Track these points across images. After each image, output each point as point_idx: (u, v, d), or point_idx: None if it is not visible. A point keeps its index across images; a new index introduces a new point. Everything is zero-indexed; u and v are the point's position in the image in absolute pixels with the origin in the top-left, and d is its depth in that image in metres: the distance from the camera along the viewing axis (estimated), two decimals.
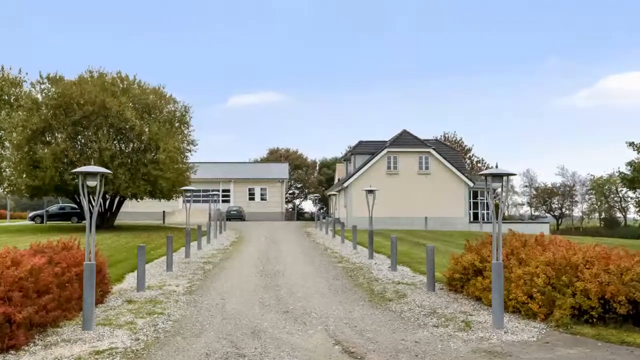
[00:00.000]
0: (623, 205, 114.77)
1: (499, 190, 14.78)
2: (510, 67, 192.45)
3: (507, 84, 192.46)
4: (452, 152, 78.12)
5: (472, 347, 12.52)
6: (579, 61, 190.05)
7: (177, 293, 19.02)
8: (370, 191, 31.46)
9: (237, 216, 78.20)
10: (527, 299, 14.81)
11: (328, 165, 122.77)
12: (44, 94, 50.34)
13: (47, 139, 49.52)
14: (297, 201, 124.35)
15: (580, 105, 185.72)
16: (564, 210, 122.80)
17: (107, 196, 51.16)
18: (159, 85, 54.17)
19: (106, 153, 46.75)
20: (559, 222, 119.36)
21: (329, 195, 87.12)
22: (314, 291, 19.57)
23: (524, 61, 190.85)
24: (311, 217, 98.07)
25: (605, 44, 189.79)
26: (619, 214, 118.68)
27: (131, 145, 51.11)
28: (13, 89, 62.72)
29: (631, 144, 51.42)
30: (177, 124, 54.60)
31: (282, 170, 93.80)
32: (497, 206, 34.04)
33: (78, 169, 14.17)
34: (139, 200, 54.06)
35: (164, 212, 72.21)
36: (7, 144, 54.36)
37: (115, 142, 49.72)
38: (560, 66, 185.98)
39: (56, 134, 49.56)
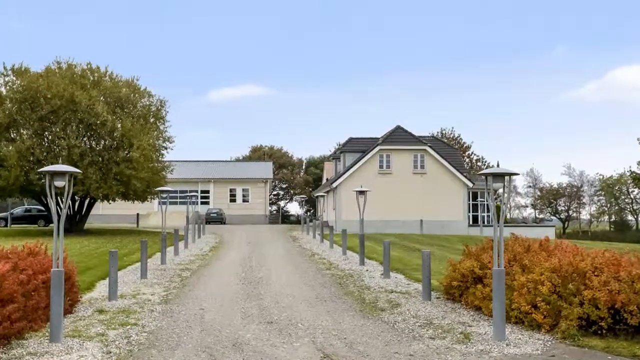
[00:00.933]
0: (635, 207, 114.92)
1: (501, 191, 14.76)
2: (514, 57, 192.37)
3: (510, 76, 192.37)
4: (450, 149, 78.23)
5: None
6: (588, 51, 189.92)
7: (152, 302, 18.94)
8: (361, 192, 31.43)
9: (217, 219, 78.04)
10: (530, 308, 14.79)
11: (315, 164, 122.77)
12: (7, 87, 49.99)
13: (12, 136, 49.25)
14: (282, 203, 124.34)
15: (589, 99, 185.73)
16: (570, 212, 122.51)
17: (76, 197, 50.92)
18: (132, 78, 54.01)
19: (75, 151, 46.54)
20: (566, 225, 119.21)
21: (317, 197, 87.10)
22: (301, 300, 19.53)
23: (529, 51, 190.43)
24: (297, 220, 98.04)
25: (615, 33, 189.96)
26: (630, 217, 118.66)
27: (102, 143, 50.90)
28: None
29: None
30: (152, 120, 54.42)
31: (265, 169, 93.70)
32: (498, 208, 34.02)
33: (45, 168, 14.05)
34: (110, 202, 53.84)
35: (137, 214, 72.06)
36: None
37: (85, 139, 49.57)
38: (568, 56, 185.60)
39: (21, 130, 49.35)
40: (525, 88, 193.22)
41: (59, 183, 13.94)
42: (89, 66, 52.60)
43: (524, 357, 12.67)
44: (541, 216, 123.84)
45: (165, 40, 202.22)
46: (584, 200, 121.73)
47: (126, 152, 49.58)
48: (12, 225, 65.52)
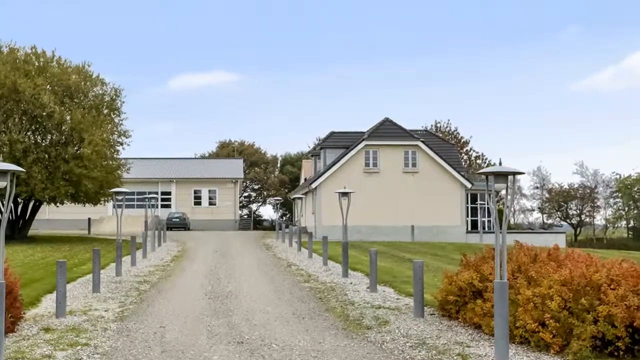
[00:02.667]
0: None
1: (503, 192, 14.78)
2: (518, 40, 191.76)
3: (513, 61, 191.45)
4: (446, 145, 78.19)
5: None
6: (603, 32, 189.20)
7: (106, 319, 18.82)
8: (345, 194, 31.39)
9: (179, 225, 77.91)
10: (537, 326, 14.78)
11: (292, 162, 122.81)
12: None
13: None
14: (254, 206, 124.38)
15: (604, 87, 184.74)
16: (583, 217, 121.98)
17: (19, 200, 50.68)
18: (83, 63, 53.77)
19: (18, 147, 46.30)
20: (577, 232, 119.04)
21: (294, 199, 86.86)
22: (275, 317, 19.46)
23: (536, 32, 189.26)
24: (271, 226, 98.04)
25: (633, 11, 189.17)
26: None
27: (49, 137, 50.71)
28: None
29: None
30: (105, 111, 54.25)
31: (235, 168, 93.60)
32: (500, 212, 34.16)
33: None
34: (58, 205, 53.67)
35: (89, 219, 71.76)
36: None
37: (29, 133, 49.37)
38: (580, 38, 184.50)
39: None
40: (531, 75, 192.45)
41: None
42: (33, 50, 52.33)
43: None
44: (550, 221, 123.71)
45: (119, 19, 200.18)
46: (598, 203, 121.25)
47: (76, 148, 49.38)
48: None
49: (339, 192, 32.17)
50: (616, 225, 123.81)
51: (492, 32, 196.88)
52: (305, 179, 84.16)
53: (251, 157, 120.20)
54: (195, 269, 32.96)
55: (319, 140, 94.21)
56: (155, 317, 19.45)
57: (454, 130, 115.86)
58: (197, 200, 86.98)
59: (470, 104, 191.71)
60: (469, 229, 65.92)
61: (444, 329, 17.49)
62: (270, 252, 44.34)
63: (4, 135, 47.01)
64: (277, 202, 72.32)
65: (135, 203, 74.44)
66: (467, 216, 66.14)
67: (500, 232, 14.05)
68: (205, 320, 18.90)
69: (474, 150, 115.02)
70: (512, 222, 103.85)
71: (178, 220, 78.70)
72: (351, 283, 27.11)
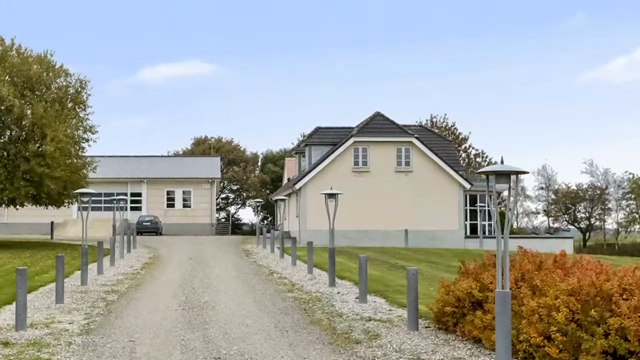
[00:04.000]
0: None
1: (505, 193, 14.79)
2: (521, 27, 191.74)
3: (516, 50, 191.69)
4: (443, 142, 78.14)
5: None
6: (614, 19, 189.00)
7: (71, 333, 18.75)
8: (332, 195, 31.36)
9: (151, 229, 77.74)
10: (543, 340, 14.79)
11: (274, 161, 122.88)
12: None
13: None
14: (232, 209, 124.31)
15: (615, 79, 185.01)
16: (592, 220, 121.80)
17: None
18: (45, 52, 53.61)
19: None
20: (587, 236, 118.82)
21: (276, 201, 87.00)
22: (256, 330, 19.43)
23: (541, 20, 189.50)
24: (251, 230, 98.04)
25: None
26: None
27: (8, 133, 50.57)
28: None
29: None
30: (70, 105, 54.10)
31: (212, 166, 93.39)
32: (502, 215, 34.15)
33: None
34: (18, 207, 53.51)
35: (52, 223, 71.55)
36: None
37: None
38: (589, 26, 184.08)
39: None
40: (535, 66, 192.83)
41: None
42: None
43: None
44: (556, 225, 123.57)
45: (83, 3, 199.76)
46: (609, 206, 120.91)
47: (38, 145, 49.26)
48: None
49: (325, 194, 32.15)
50: (629, 230, 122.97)
51: (492, 19, 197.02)
52: (289, 179, 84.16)
53: (229, 155, 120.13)
54: (168, 278, 32.92)
55: (304, 136, 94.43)
56: (124, 330, 19.39)
57: (452, 126, 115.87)
58: (170, 202, 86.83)
59: (469, 97, 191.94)
60: (468, 233, 65.95)
61: (440, 343, 17.48)
62: (251, 258, 44.32)
63: None
64: (258, 204, 72.05)
65: (103, 205, 74.44)
66: (466, 220, 66.16)
67: (502, 237, 14.05)
68: (179, 334, 18.85)
69: (473, 148, 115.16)
70: (515, 226, 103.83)
71: (149, 224, 78.51)
72: (339, 293, 27.10)
